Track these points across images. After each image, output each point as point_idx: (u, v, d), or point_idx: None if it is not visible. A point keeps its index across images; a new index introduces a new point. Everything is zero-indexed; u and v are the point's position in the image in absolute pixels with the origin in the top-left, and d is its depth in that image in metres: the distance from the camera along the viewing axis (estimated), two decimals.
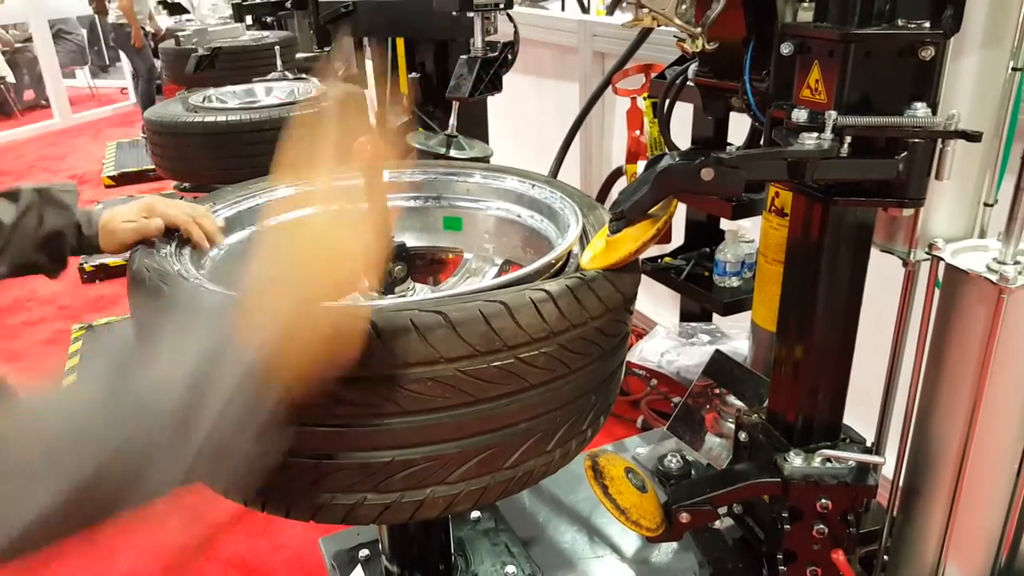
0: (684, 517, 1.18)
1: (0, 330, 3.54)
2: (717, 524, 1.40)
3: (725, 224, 2.13)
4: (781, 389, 1.23)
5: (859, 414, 1.27)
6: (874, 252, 1.13)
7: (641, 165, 2.15)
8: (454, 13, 1.92)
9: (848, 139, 0.93)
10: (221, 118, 2.81)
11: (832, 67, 0.94)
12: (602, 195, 2.55)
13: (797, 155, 0.94)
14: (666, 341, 2.44)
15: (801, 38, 0.98)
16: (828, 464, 1.16)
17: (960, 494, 1.12)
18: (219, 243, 1.19)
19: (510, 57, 2.07)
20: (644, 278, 1.25)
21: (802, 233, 1.12)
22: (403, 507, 0.92)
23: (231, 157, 2.82)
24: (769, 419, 1.26)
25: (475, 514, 1.59)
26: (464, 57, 2.03)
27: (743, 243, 1.99)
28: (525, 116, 3.63)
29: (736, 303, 1.96)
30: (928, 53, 0.91)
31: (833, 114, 0.93)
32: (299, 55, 3.55)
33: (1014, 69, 0.99)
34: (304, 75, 3.43)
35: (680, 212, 1.06)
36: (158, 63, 5.76)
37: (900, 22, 0.91)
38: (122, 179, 5.62)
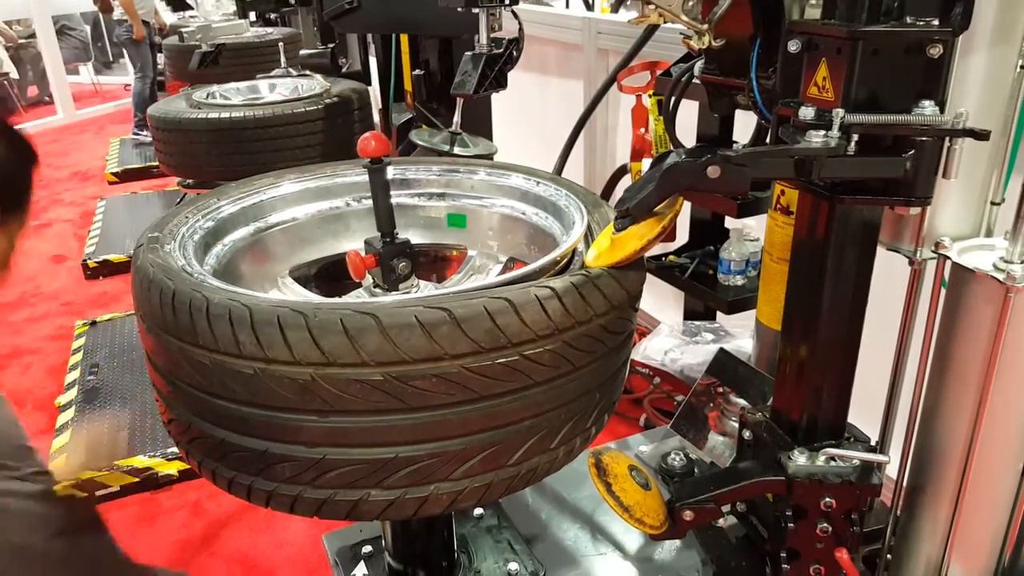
0: (687, 515, 1.18)
1: (4, 326, 3.55)
2: (720, 522, 1.40)
3: (730, 222, 2.13)
4: (785, 387, 1.23)
5: (863, 413, 1.27)
6: (880, 250, 1.13)
7: (646, 163, 2.15)
8: (459, 9, 1.91)
9: (855, 137, 0.93)
10: (225, 114, 2.81)
11: (840, 64, 0.93)
12: (606, 193, 2.55)
13: (804, 153, 0.94)
14: (670, 339, 2.44)
15: (809, 35, 0.98)
16: (832, 463, 1.16)
17: (964, 493, 1.12)
18: None
19: (515, 54, 2.06)
20: (648, 276, 1.25)
21: (808, 231, 1.12)
22: (407, 503, 0.92)
23: (234, 153, 2.82)
24: (773, 417, 1.26)
25: (478, 511, 1.59)
26: (469, 53, 2.03)
27: (748, 241, 1.98)
28: (529, 113, 3.63)
29: (740, 301, 1.96)
30: (936, 51, 0.91)
31: (840, 112, 0.92)
32: (303, 51, 3.56)
33: (1023, 67, 0.99)
34: (307, 71, 3.42)
35: (685, 210, 1.06)
36: (161, 59, 5.76)
37: (908, 20, 0.91)
38: (125, 175, 5.63)
